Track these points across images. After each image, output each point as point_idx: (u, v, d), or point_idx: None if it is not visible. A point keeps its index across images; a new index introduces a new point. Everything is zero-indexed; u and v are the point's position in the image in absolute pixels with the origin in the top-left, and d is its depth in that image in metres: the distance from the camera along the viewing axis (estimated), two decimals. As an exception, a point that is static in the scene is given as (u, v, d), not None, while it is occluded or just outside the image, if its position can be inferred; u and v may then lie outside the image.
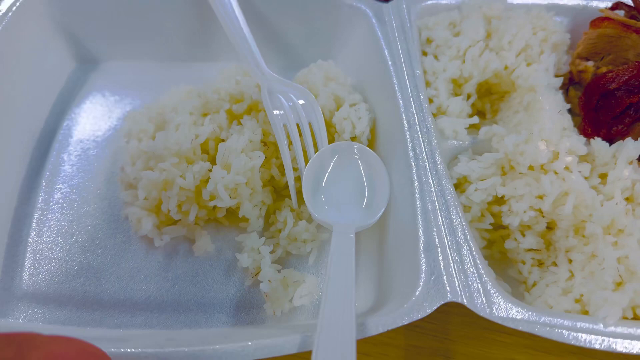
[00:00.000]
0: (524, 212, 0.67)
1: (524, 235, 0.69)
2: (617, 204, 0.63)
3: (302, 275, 0.66)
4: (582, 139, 0.69)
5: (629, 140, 0.67)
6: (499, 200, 0.70)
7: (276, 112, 0.71)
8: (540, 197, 0.66)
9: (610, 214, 0.62)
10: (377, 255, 0.69)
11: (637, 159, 0.67)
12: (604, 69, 0.79)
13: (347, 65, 0.86)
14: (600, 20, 0.82)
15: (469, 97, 0.80)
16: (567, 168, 0.66)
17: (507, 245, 0.70)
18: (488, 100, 0.83)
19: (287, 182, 0.72)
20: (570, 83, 0.82)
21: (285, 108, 0.72)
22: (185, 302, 0.65)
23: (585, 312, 0.61)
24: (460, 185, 0.73)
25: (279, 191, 0.75)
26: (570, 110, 0.75)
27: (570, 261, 0.65)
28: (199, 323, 0.64)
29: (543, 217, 0.67)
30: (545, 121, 0.68)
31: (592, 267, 0.61)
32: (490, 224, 0.71)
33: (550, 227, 0.69)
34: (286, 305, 0.64)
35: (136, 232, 0.69)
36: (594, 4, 0.91)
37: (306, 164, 0.70)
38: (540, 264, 0.69)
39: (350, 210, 0.68)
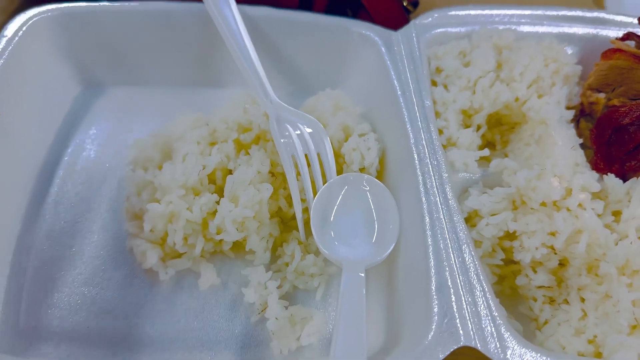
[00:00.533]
0: (536, 248, 0.66)
1: (535, 271, 0.68)
2: (631, 243, 0.62)
3: (310, 312, 0.65)
4: (595, 175, 0.68)
5: None
6: (510, 236, 0.69)
7: (284, 141, 0.70)
8: (553, 234, 0.65)
9: (624, 254, 0.61)
10: (387, 294, 0.67)
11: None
12: (615, 101, 0.78)
13: (355, 93, 0.85)
14: (611, 52, 0.81)
15: (479, 128, 0.79)
16: (580, 205, 0.65)
17: (519, 282, 0.69)
18: (498, 131, 0.82)
19: (294, 213, 0.71)
20: (581, 115, 0.81)
21: (293, 137, 0.71)
22: (190, 339, 0.64)
23: (599, 355, 0.59)
24: (470, 219, 0.72)
25: (287, 222, 0.74)
26: (582, 144, 0.74)
27: (582, 300, 0.64)
28: (206, 361, 0.62)
29: (555, 254, 0.66)
30: (557, 156, 0.67)
31: (607, 308, 0.60)
32: (501, 259, 0.70)
33: (562, 263, 0.67)
34: (293, 343, 0.63)
35: (141, 264, 0.67)
36: (605, 33, 0.91)
37: (314, 195, 0.69)
38: (551, 301, 0.68)
39: (359, 246, 0.67)
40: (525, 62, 0.77)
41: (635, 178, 0.67)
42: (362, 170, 0.74)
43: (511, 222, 0.68)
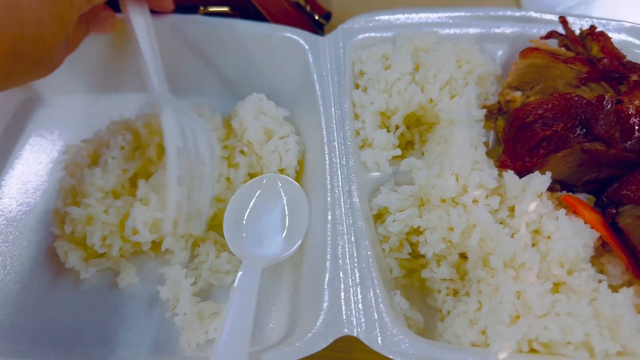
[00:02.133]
0: (437, 243, 0.69)
1: (439, 265, 0.71)
2: (521, 237, 0.64)
3: (220, 307, 0.69)
4: (495, 172, 0.71)
5: (536, 174, 0.68)
6: (417, 231, 0.72)
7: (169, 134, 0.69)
8: (451, 229, 0.68)
9: (512, 248, 0.63)
10: (293, 287, 0.71)
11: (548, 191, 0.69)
12: (532, 99, 0.80)
13: (283, 97, 0.89)
14: (529, 51, 0.84)
15: (397, 128, 0.82)
16: (475, 201, 0.67)
17: (424, 275, 0.71)
18: (418, 130, 0.85)
19: (215, 212, 0.75)
20: (499, 113, 0.84)
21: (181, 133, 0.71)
22: (107, 333, 0.68)
23: (488, 345, 0.62)
24: (381, 216, 0.75)
25: (208, 222, 0.78)
26: (499, 141, 0.77)
27: (480, 292, 0.67)
28: (120, 356, 0.66)
29: (455, 248, 0.69)
30: (456, 155, 0.70)
31: (496, 300, 0.63)
32: (409, 253, 0.73)
33: (465, 256, 0.70)
34: (202, 337, 0.66)
35: (64, 264, 0.71)
36: (531, 31, 0.93)
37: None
38: (455, 293, 0.71)
39: (269, 244, 0.70)
40: (439, 65, 0.80)
41: (531, 174, 0.69)
42: (281, 171, 0.78)
43: (416, 218, 0.71)
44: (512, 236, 0.65)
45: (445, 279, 0.70)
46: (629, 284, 0.68)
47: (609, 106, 0.70)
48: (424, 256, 0.72)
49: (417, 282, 0.74)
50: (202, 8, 0.94)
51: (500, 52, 0.93)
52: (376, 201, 0.74)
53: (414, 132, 0.84)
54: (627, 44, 0.93)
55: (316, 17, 1.02)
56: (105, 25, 0.78)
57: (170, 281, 0.70)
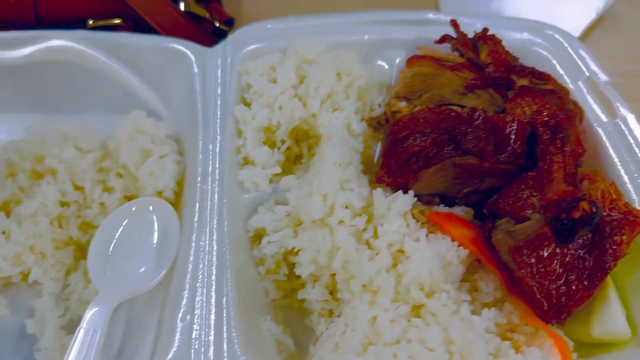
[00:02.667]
0: (308, 264, 0.67)
1: (314, 285, 0.69)
2: (381, 259, 0.63)
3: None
4: (365, 190, 0.69)
5: (399, 193, 0.67)
6: (293, 251, 0.71)
7: None
8: (319, 251, 0.66)
9: (369, 272, 0.62)
10: (159, 317, 0.69)
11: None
12: (419, 108, 0.78)
13: (170, 112, 0.87)
14: (415, 59, 0.82)
15: (282, 143, 0.80)
16: (340, 222, 0.66)
17: (300, 296, 0.70)
18: (307, 144, 0.83)
19: (88, 240, 0.73)
20: (387, 124, 0.82)
21: None
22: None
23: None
24: (260, 237, 0.74)
25: (84, 249, 0.76)
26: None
27: (347, 315, 0.66)
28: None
29: (326, 269, 0.67)
30: (324, 175, 0.68)
31: (352, 326, 0.62)
32: (287, 274, 0.72)
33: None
34: (63, 372, 0.65)
35: None
36: (431, 35, 0.90)
37: None
38: (330, 313, 0.70)
39: (133, 275, 0.68)
40: (320, 78, 0.78)
41: (395, 194, 0.67)
42: (158, 193, 0.76)
43: (290, 239, 0.70)
44: (372, 258, 0.63)
45: (319, 300, 0.69)
46: (502, 301, 0.67)
47: (479, 120, 0.69)
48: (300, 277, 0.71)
49: (297, 302, 0.73)
50: (90, 22, 0.90)
51: (398, 59, 0.91)
52: (252, 222, 0.72)
53: (302, 146, 0.82)
54: (528, 42, 0.92)
55: (217, 25, 0.99)
56: None
57: (38, 313, 0.68)
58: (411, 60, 0.81)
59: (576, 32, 1.12)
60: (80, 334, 0.58)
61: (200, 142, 0.75)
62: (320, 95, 0.77)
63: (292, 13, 1.08)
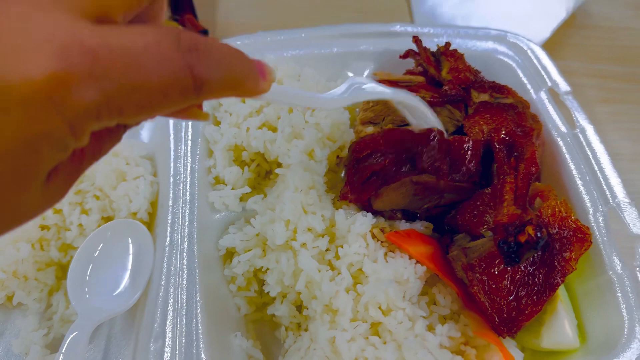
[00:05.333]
0: (275, 284, 0.71)
1: (282, 302, 0.73)
2: (342, 279, 0.66)
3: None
4: (328, 212, 0.72)
5: (358, 215, 0.70)
6: (262, 270, 0.74)
7: None
8: (283, 274, 0.70)
9: (329, 292, 0.65)
10: (135, 339, 0.73)
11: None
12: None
13: (147, 131, 0.89)
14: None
15: (252, 161, 0.83)
16: (303, 245, 0.69)
17: (269, 312, 0.74)
18: (275, 160, 0.85)
19: (69, 261, 0.77)
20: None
21: None
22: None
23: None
24: (231, 254, 0.77)
25: (66, 269, 0.79)
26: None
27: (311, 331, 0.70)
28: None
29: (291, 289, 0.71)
30: (286, 201, 0.71)
31: (313, 345, 0.66)
32: (257, 290, 0.76)
33: (305, 294, 0.73)
34: (49, 390, 0.69)
35: None
36: (399, 47, 0.92)
37: None
38: (298, 327, 0.74)
39: (109, 297, 0.71)
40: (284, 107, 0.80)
41: (355, 215, 0.70)
42: (133, 214, 0.79)
43: (259, 259, 0.73)
44: (333, 279, 0.67)
45: (287, 315, 0.73)
46: (459, 313, 0.71)
47: (434, 141, 0.71)
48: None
49: (268, 316, 0.77)
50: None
51: (367, 71, 0.93)
52: (222, 242, 0.75)
53: (272, 162, 0.85)
54: (493, 51, 0.93)
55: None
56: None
57: (23, 333, 0.72)
58: (370, 85, 0.83)
59: (547, 32, 1.13)
60: (61, 356, 0.62)
61: (172, 164, 0.77)
62: (282, 125, 0.79)
63: (267, 22, 1.11)
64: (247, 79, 0.37)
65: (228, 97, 0.37)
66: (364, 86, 0.62)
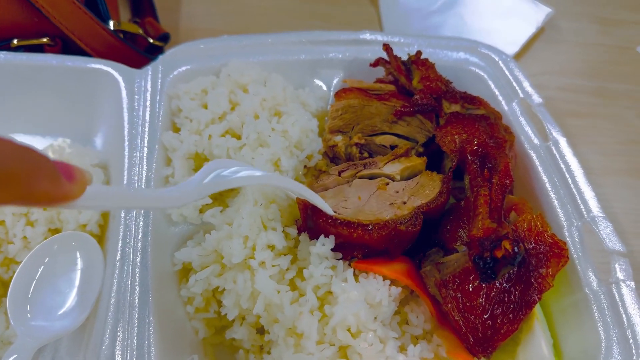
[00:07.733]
0: (233, 307, 0.65)
1: (241, 324, 0.68)
2: (306, 301, 0.62)
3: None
4: (292, 229, 0.67)
5: (321, 237, 0.65)
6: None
7: None
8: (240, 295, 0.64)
9: (292, 315, 0.61)
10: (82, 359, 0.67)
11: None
12: (355, 139, 0.77)
13: (100, 138, 0.83)
14: (343, 92, 0.80)
15: (213, 170, 0.78)
16: (262, 264, 0.64)
17: (227, 336, 0.68)
18: (240, 170, 0.80)
19: (11, 276, 0.70)
20: (328, 158, 0.80)
21: None
22: None
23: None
24: (187, 271, 0.72)
25: (7, 286, 0.72)
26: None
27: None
28: None
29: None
30: (245, 215, 0.66)
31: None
32: (216, 311, 0.70)
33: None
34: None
35: None
36: (368, 55, 0.90)
37: None
38: (260, 350, 0.68)
39: (54, 317, 0.65)
40: (250, 112, 0.76)
41: (316, 239, 0.65)
42: (82, 226, 0.73)
43: (216, 277, 0.67)
44: (296, 300, 0.62)
45: (247, 339, 0.68)
46: (432, 333, 0.67)
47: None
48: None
49: (227, 340, 0.71)
50: (15, 41, 0.86)
51: (336, 79, 0.90)
52: (178, 255, 0.69)
53: (235, 172, 0.80)
54: (464, 61, 0.91)
55: (151, 41, 0.96)
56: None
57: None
58: (339, 94, 0.80)
59: (516, 46, 1.13)
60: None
61: (125, 172, 0.72)
62: (247, 132, 0.74)
63: (233, 26, 1.07)
64: (38, 178, 0.30)
65: (18, 205, 0.31)
66: (226, 171, 0.54)
